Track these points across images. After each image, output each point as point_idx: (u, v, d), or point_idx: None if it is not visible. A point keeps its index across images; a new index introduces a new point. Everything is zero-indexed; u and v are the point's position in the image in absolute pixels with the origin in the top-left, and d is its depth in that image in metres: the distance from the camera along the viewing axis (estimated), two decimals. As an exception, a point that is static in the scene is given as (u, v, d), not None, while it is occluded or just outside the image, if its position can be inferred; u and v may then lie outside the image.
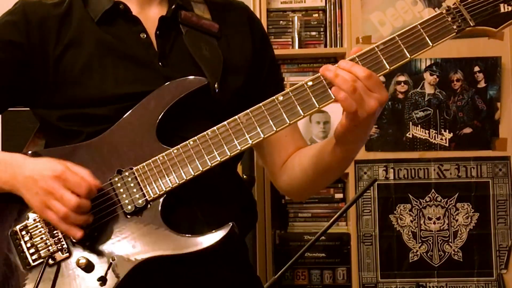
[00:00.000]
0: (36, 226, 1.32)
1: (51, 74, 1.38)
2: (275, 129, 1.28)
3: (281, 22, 3.22)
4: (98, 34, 1.40)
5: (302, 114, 1.28)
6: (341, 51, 3.14)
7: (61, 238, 1.30)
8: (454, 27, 1.28)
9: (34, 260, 1.31)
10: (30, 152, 1.37)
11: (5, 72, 1.38)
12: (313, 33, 3.21)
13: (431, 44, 1.28)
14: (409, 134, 3.09)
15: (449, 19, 1.28)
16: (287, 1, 3.23)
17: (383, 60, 1.27)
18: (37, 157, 1.33)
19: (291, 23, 3.20)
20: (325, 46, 3.20)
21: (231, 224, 1.27)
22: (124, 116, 1.34)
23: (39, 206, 1.27)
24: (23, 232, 1.32)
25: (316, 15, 3.22)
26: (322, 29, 3.21)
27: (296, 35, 3.18)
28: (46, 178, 1.25)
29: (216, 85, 1.38)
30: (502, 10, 1.29)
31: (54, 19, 1.40)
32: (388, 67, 1.27)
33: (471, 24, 1.29)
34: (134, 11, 1.43)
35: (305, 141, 1.56)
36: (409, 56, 1.28)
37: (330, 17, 3.18)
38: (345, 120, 1.24)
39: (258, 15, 3.09)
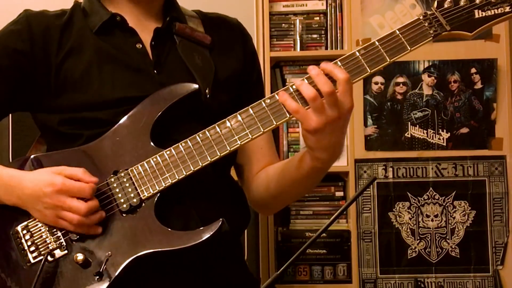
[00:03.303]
0: (37, 225, 1.36)
1: (52, 80, 1.43)
2: (262, 130, 1.32)
3: (283, 25, 3.24)
4: (96, 43, 1.45)
5: (288, 116, 1.32)
6: (342, 53, 3.05)
7: (60, 236, 1.35)
8: (431, 31, 1.32)
9: (34, 258, 1.35)
10: (32, 156, 1.41)
11: (10, 78, 1.44)
12: (314, 36, 3.23)
13: (409, 48, 1.32)
14: (408, 134, 3.11)
15: (426, 24, 1.32)
16: (289, 5, 3.25)
17: (364, 64, 1.30)
18: (32, 170, 1.37)
19: (293, 26, 3.23)
20: (326, 48, 3.22)
21: (221, 220, 1.31)
22: (120, 121, 1.39)
23: (52, 220, 1.33)
24: (24, 231, 1.36)
25: (317, 18, 3.24)
26: (323, 32, 3.23)
27: (298, 38, 3.20)
28: (49, 194, 1.31)
29: (207, 90, 1.43)
30: (476, 15, 1.32)
31: (56, 29, 1.46)
32: (369, 70, 1.30)
33: (447, 29, 1.32)
34: (130, 23, 1.48)
35: (278, 158, 1.60)
36: (388, 60, 1.31)
37: (331, 20, 3.21)
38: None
39: (261, 19, 3.17)
